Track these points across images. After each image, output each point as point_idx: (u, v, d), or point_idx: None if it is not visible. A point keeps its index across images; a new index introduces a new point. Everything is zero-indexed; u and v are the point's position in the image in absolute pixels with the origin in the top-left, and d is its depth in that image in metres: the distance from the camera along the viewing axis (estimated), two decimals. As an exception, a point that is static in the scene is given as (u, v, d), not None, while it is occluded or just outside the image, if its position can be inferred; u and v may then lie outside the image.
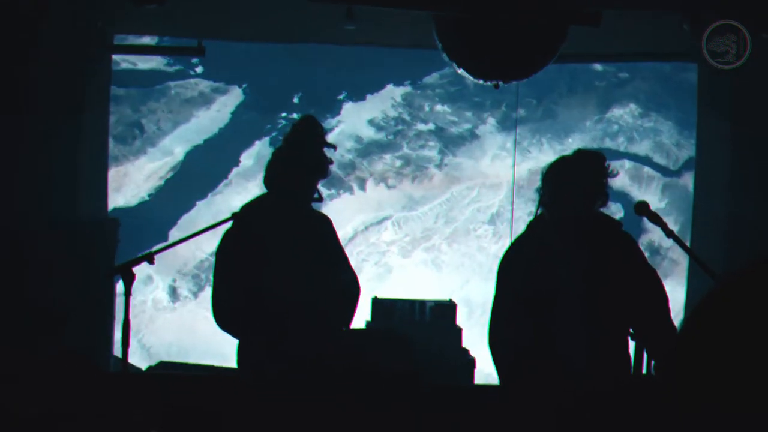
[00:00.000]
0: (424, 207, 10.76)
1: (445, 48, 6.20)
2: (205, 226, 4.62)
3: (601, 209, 4.44)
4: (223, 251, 4.73)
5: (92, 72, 6.82)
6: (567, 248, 4.32)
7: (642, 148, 10.51)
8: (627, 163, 10.45)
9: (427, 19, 6.12)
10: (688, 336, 1.27)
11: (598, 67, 10.68)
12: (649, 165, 10.46)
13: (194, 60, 10.62)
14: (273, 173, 4.73)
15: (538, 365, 4.33)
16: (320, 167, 4.70)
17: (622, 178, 9.97)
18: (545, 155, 10.32)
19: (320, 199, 4.78)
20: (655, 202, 10.13)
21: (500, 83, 6.41)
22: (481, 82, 6.42)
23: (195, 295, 10.36)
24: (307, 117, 4.85)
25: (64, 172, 6.72)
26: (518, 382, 4.37)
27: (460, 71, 6.37)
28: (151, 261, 4.38)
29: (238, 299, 4.66)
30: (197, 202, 10.50)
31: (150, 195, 10.61)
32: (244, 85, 10.81)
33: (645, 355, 4.44)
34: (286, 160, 4.70)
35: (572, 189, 4.31)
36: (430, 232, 10.83)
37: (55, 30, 6.27)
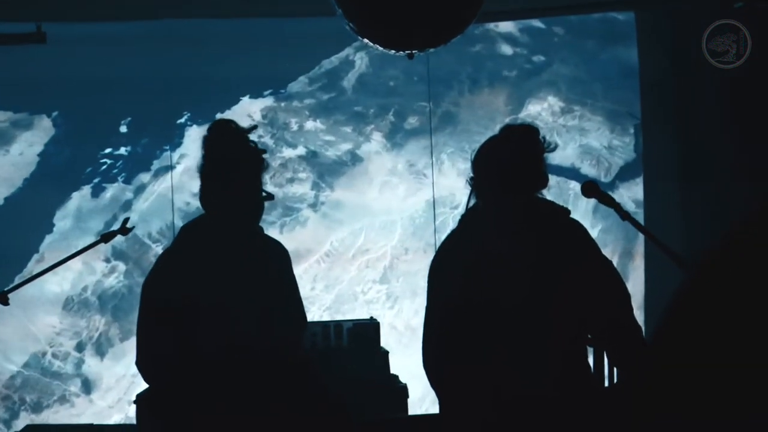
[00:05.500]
0: (298, 268, 10.05)
1: (345, 13, 6.02)
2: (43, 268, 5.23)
3: (542, 194, 4.56)
4: (151, 288, 4.83)
5: None
6: (507, 243, 4.43)
7: (566, 156, 10.13)
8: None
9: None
10: (669, 331, 1.26)
11: (507, 50, 10.23)
12: (576, 178, 10.11)
13: (-16, 79, 9.66)
14: (210, 187, 4.85)
15: (482, 383, 4.40)
16: (258, 158, 4.86)
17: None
18: (446, 177, 9.78)
19: (271, 197, 4.88)
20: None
21: (415, 52, 6.29)
22: (392, 52, 6.25)
23: (7, 424, 9.82)
24: (218, 121, 5.02)
25: None
26: (460, 404, 4.48)
27: (366, 41, 6.19)
28: (4, 302, 4.92)
29: (168, 348, 4.73)
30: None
31: (-64, 291, 9.74)
32: (54, 114, 10.07)
33: (606, 363, 4.81)
34: (219, 165, 4.83)
35: (504, 170, 4.44)
36: (307, 302, 10.37)
37: None
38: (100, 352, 10.06)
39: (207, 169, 4.87)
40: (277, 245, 5.07)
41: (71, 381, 9.99)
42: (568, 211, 4.66)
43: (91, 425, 5.40)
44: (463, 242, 4.60)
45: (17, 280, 9.63)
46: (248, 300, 4.77)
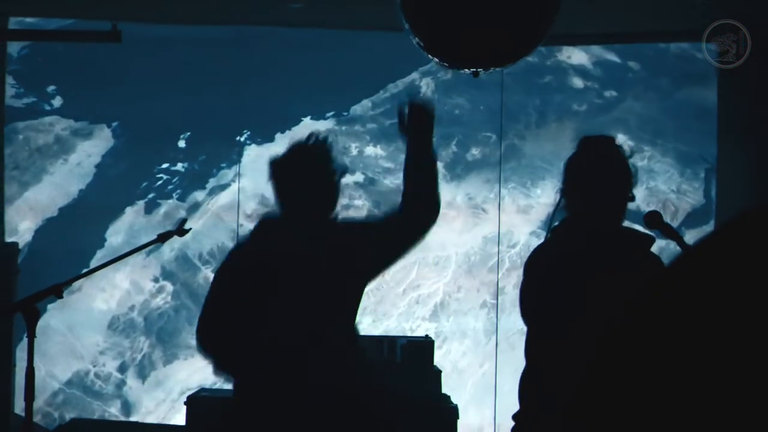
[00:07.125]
0: (347, 301, 10.02)
1: (413, 29, 6.09)
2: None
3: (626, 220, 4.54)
4: (227, 269, 4.77)
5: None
6: (587, 264, 4.42)
7: (632, 197, 10.21)
8: (612, 220, 10.12)
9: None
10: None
11: (578, 83, 10.19)
12: (641, 221, 10.13)
13: (51, 88, 9.98)
14: (285, 176, 4.78)
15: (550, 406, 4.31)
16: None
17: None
18: (505, 213, 9.69)
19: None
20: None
21: (480, 71, 6.36)
22: (457, 69, 6.35)
23: (50, 440, 9.40)
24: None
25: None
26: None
27: (432, 58, 6.28)
28: (59, 294, 4.67)
29: (230, 327, 4.64)
30: (48, 306, 9.79)
31: (-14, 303, 9.62)
32: (114, 124, 10.16)
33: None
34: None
35: (589, 178, 4.49)
36: (354, 336, 10.17)
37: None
38: (142, 375, 10.12)
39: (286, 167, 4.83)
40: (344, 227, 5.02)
41: (111, 402, 10.03)
42: (653, 240, 4.66)
43: (136, 423, 5.39)
44: (546, 256, 4.64)
45: (66, 292, 9.78)
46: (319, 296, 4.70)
